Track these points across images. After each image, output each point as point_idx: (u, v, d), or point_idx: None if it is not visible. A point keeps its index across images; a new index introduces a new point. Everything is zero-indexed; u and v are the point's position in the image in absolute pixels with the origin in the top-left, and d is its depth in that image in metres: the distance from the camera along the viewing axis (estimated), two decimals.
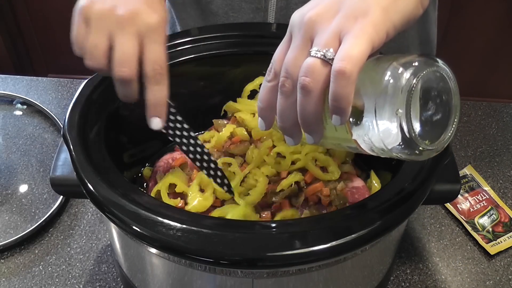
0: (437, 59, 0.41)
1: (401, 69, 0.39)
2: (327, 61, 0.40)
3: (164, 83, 0.49)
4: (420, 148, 0.40)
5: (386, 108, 0.39)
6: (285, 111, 0.43)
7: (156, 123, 0.50)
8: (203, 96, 0.69)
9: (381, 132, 0.40)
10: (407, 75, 0.39)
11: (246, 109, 0.66)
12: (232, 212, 0.55)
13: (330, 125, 0.42)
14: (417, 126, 0.39)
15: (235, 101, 0.67)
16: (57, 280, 0.67)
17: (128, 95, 0.50)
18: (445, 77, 0.41)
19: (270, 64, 0.44)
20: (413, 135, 0.39)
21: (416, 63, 0.39)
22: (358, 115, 0.41)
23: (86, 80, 0.58)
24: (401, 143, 0.40)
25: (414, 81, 0.39)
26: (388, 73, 0.39)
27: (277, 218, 0.56)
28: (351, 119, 0.41)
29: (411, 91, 0.39)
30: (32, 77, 0.99)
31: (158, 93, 0.49)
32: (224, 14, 0.77)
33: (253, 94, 0.66)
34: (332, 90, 0.39)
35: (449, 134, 0.42)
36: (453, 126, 0.42)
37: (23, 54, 2.03)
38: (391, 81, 0.39)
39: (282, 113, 0.44)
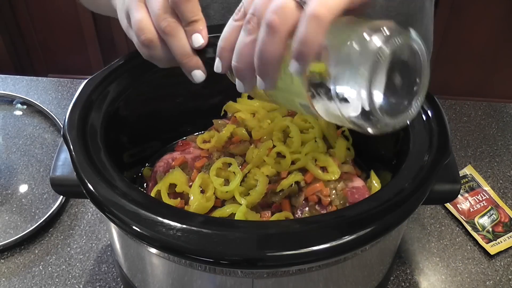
0: (412, 31, 0.38)
1: (370, 35, 0.36)
2: (301, 5, 0.38)
3: (176, 33, 0.47)
4: (377, 120, 0.38)
5: (347, 74, 0.37)
6: (243, 49, 0.41)
7: (198, 76, 0.48)
8: (203, 96, 0.69)
9: (339, 96, 0.37)
10: (376, 43, 0.36)
11: (246, 109, 0.66)
12: (232, 212, 0.55)
13: (287, 76, 0.41)
14: (378, 98, 0.37)
15: (235, 101, 0.67)
16: (57, 280, 0.67)
17: (157, 57, 0.50)
18: (418, 51, 0.39)
19: (241, 3, 0.42)
20: (372, 106, 0.37)
21: (388, 31, 0.37)
22: (318, 76, 0.39)
23: (86, 80, 0.58)
24: (358, 112, 0.37)
25: (384, 50, 0.36)
26: (356, 37, 0.36)
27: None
28: (310, 78, 0.39)
29: (377, 60, 0.36)
30: (32, 77, 1.00)
31: (175, 45, 0.47)
32: (222, 17, 0.77)
33: None
34: (301, 33, 0.37)
35: (410, 113, 0.40)
36: (417, 104, 0.40)
37: (23, 54, 2.03)
38: (358, 46, 0.36)
39: (240, 50, 0.42)
